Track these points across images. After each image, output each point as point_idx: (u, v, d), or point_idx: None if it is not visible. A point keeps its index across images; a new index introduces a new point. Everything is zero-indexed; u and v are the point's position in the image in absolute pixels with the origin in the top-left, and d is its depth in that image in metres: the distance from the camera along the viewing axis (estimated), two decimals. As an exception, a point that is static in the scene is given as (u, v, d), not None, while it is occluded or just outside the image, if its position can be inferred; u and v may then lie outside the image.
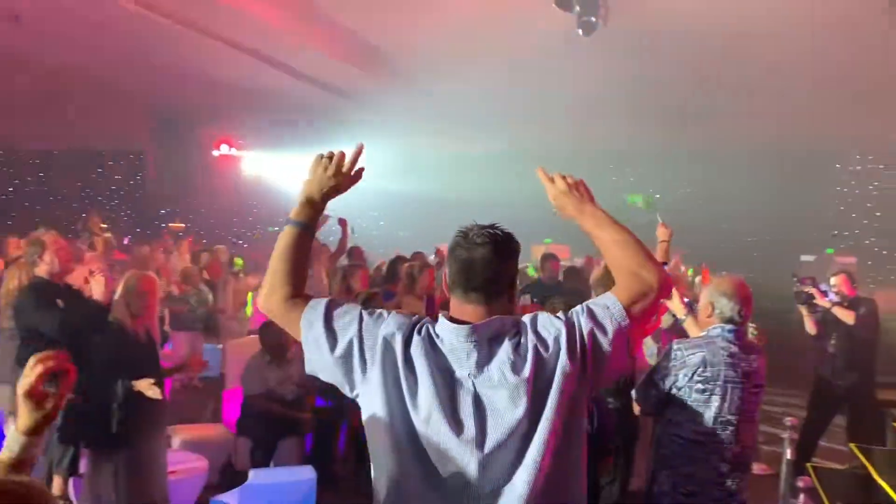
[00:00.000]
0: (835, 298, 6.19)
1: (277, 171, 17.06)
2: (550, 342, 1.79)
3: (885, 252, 16.12)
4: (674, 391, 2.88)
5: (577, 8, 9.29)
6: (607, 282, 4.32)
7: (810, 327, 6.35)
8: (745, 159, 16.27)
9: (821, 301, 6.15)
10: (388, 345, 1.81)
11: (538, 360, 1.77)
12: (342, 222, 8.33)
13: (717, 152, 16.44)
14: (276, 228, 18.18)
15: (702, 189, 16.46)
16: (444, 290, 1.98)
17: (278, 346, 5.95)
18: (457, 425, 1.73)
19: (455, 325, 1.81)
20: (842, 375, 6.20)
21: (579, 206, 2.01)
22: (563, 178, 2.06)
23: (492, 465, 1.71)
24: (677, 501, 2.84)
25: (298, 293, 1.96)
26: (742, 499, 2.85)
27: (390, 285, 7.28)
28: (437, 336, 1.82)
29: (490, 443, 1.72)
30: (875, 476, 5.06)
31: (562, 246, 15.63)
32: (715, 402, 2.82)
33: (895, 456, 5.56)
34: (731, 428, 2.82)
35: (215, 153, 16.36)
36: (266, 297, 1.98)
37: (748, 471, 2.90)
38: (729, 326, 2.94)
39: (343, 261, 8.49)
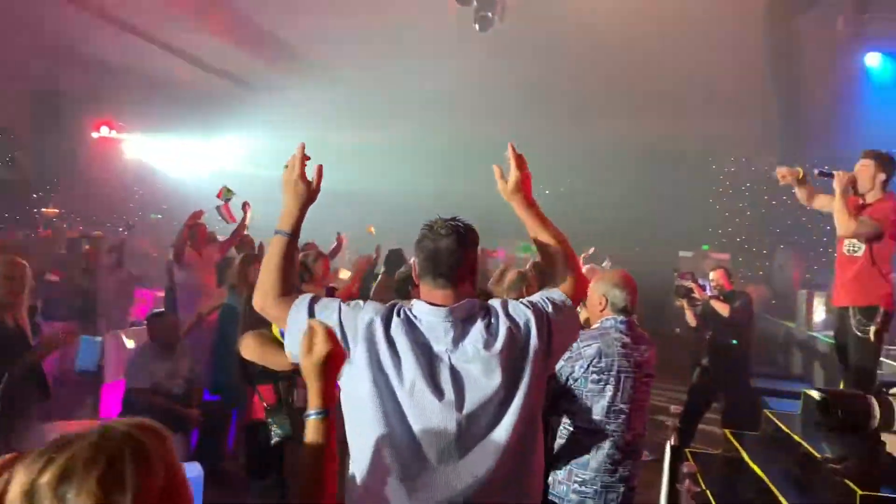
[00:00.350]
0: (712, 292, 6.53)
1: (161, 154, 16.34)
2: (521, 324, 2.07)
3: (754, 249, 17.13)
4: (570, 382, 2.95)
5: (475, 3, 9.40)
6: (520, 286, 4.40)
7: (690, 319, 6.68)
8: (628, 158, 16.96)
9: (699, 294, 6.48)
10: (369, 328, 2.02)
11: (511, 338, 2.03)
12: (245, 206, 8.04)
13: (604, 150, 17.04)
14: (160, 216, 17.47)
15: (587, 185, 16.99)
16: (413, 278, 2.19)
17: (168, 338, 5.71)
18: (438, 391, 1.95)
19: (433, 307, 2.06)
20: (718, 364, 6.53)
21: (528, 199, 2.29)
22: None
23: (470, 425, 1.94)
24: (572, 489, 2.92)
25: (288, 292, 2.18)
26: (633, 484, 2.96)
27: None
28: (416, 317, 2.06)
29: (468, 406, 1.94)
30: (746, 459, 5.38)
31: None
32: (609, 391, 2.91)
33: (766, 440, 5.92)
34: (623, 416, 2.92)
35: (95, 135, 15.46)
36: (261, 297, 2.19)
37: (639, 457, 3.01)
38: (621, 317, 3.04)
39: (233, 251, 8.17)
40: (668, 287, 7.46)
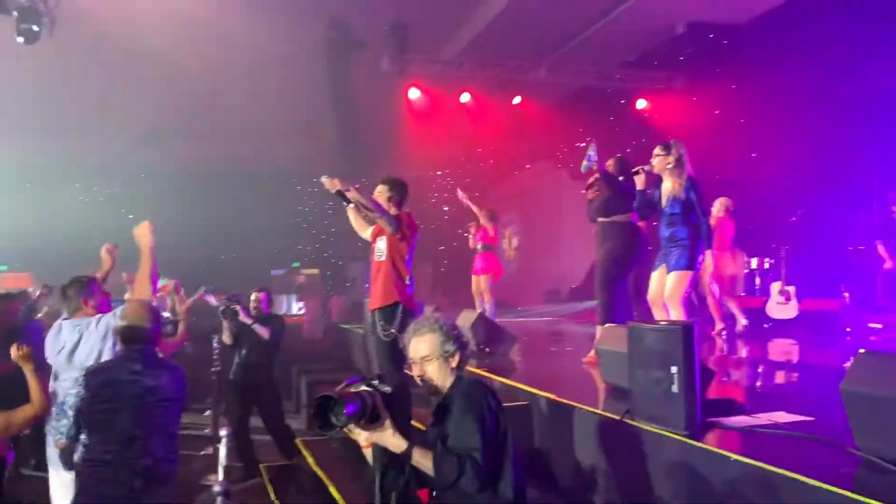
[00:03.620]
0: (252, 313, 6.88)
1: None
2: None
3: (340, 263, 18.32)
4: (82, 416, 2.91)
5: (15, 13, 8.51)
6: None
7: (227, 338, 6.91)
8: (212, 181, 16.99)
9: (244, 318, 6.75)
10: None
11: None
12: None
13: (186, 173, 16.79)
14: None
15: (172, 210, 16.49)
16: None
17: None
18: None
19: None
20: (249, 381, 6.82)
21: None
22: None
23: None
24: None
25: None
26: None
27: None
28: None
29: None
30: (313, 465, 5.77)
31: (22, 273, 14.24)
32: (119, 418, 2.93)
33: (331, 444, 6.40)
34: (138, 442, 2.96)
35: None
36: None
37: (164, 483, 3.04)
38: (134, 346, 3.07)
39: None
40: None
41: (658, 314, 5.08)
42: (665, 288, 5.08)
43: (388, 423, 2.35)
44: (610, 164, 5.96)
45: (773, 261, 8.83)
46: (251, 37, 9.82)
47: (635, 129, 12.05)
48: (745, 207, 10.18)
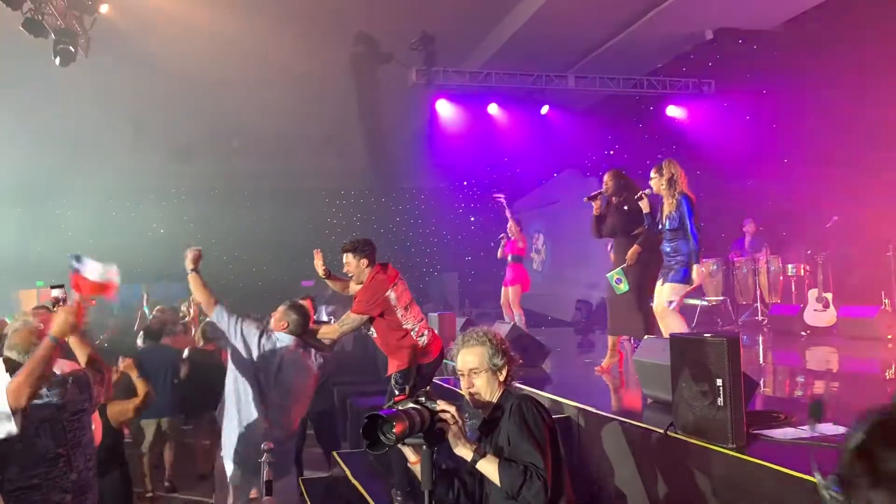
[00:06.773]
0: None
1: None
2: None
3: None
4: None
5: (52, 35, 8.67)
6: None
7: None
8: (243, 195, 17.17)
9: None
10: None
11: None
12: None
13: (216, 188, 17.00)
14: None
15: (203, 224, 16.67)
16: None
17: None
18: None
19: None
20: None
21: None
22: None
23: None
24: None
25: None
26: None
27: None
28: None
29: None
30: (350, 478, 5.79)
31: (58, 289, 14.48)
32: (38, 441, 2.89)
33: (368, 457, 6.41)
34: (62, 459, 2.93)
35: None
36: None
37: (91, 489, 3.05)
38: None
39: None
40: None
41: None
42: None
43: (454, 431, 2.31)
44: (607, 180, 5.92)
45: (808, 268, 8.69)
46: (279, 53, 9.93)
47: (665, 135, 11.97)
48: (779, 214, 10.09)
